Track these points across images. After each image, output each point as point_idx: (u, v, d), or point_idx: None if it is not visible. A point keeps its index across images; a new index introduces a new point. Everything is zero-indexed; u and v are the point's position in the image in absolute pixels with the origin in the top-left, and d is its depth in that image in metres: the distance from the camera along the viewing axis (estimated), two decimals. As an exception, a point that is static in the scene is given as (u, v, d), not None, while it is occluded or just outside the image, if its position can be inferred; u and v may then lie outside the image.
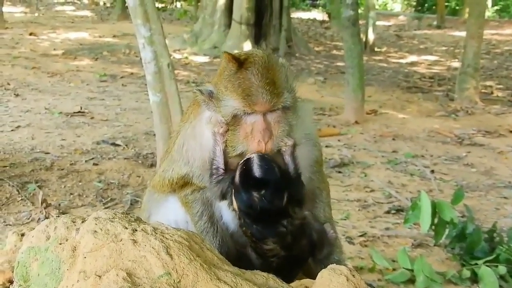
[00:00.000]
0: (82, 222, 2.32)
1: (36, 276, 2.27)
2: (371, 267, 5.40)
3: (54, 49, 18.50)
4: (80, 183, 7.20)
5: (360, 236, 6.13)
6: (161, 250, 2.11)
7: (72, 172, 7.53)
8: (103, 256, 2.12)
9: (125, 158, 8.27)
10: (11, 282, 3.56)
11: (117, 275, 2.02)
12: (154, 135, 8.92)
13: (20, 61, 16.23)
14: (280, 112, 2.79)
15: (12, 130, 9.50)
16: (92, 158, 8.17)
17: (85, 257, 2.14)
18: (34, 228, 3.92)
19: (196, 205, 2.93)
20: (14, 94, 12.26)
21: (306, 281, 2.56)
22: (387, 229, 6.39)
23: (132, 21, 7.89)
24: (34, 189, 6.89)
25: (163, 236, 2.18)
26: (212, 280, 2.11)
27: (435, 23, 29.28)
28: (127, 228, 2.21)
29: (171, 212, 3.06)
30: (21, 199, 6.67)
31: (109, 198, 6.85)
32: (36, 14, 27.96)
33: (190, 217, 2.96)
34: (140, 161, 8.18)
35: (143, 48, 7.65)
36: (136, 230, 2.20)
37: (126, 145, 8.92)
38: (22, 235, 3.89)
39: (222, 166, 2.84)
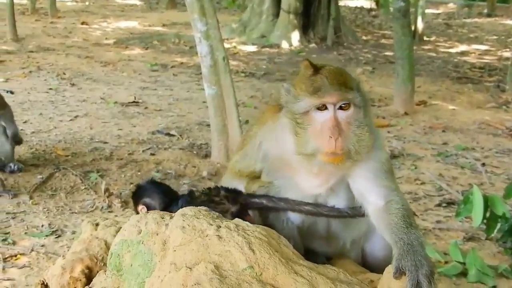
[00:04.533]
0: (170, 218, 2.54)
1: (129, 266, 2.50)
2: (424, 259, 5.51)
3: (106, 39, 18.89)
4: (139, 173, 7.49)
5: (412, 228, 6.24)
6: (244, 245, 2.32)
7: (130, 162, 7.82)
8: (191, 250, 2.33)
9: (180, 148, 8.52)
10: (89, 269, 3.82)
11: (206, 267, 2.23)
12: (207, 125, 9.18)
13: (74, 51, 16.63)
14: (351, 112, 2.95)
15: (70, 120, 9.85)
16: (149, 148, 8.46)
17: (175, 250, 2.36)
18: (107, 218, 4.20)
19: None
20: (70, 83, 12.63)
21: (371, 275, 2.74)
22: (438, 222, 6.48)
23: (189, 16, 8.14)
24: (96, 178, 7.20)
25: (245, 233, 2.39)
26: (290, 273, 2.31)
27: (485, 11, 28.79)
28: (212, 225, 2.42)
29: None
30: (85, 188, 6.98)
31: (168, 188, 7.10)
32: (87, 3, 28.48)
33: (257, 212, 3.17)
34: (195, 152, 8.43)
35: (199, 42, 7.90)
36: (220, 227, 2.42)
37: (181, 135, 9.18)
38: (97, 224, 4.16)
39: None
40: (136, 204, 3.85)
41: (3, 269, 5.30)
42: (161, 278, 2.35)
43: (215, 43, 7.87)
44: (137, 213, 3.71)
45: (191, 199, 3.37)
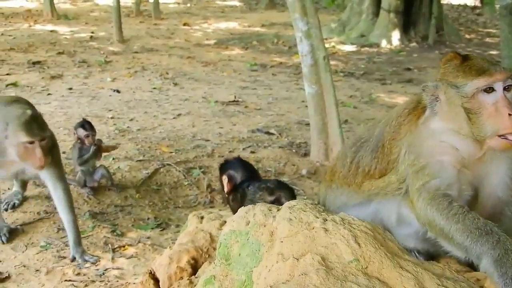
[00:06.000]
0: (277, 210, 2.61)
1: (237, 256, 2.59)
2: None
3: (207, 39, 19.29)
4: (239, 170, 7.63)
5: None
6: (350, 238, 2.35)
7: (231, 159, 7.99)
8: (298, 242, 2.39)
9: (279, 147, 8.62)
10: (195, 260, 3.97)
11: (313, 258, 2.29)
12: (306, 124, 9.24)
13: (176, 51, 17.08)
14: None
15: (174, 118, 10.16)
16: (249, 146, 8.60)
17: (281, 242, 2.43)
18: (211, 212, 4.33)
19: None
20: (173, 83, 13.00)
21: (477, 274, 2.70)
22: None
23: (290, 15, 8.23)
24: (198, 175, 7.42)
25: (350, 226, 2.42)
26: (395, 267, 2.32)
27: None
28: (318, 218, 2.47)
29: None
30: (188, 184, 7.21)
31: (268, 186, 7.21)
32: (189, 5, 29.16)
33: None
34: (294, 150, 8.50)
35: (300, 41, 7.97)
36: (326, 220, 2.46)
37: (280, 134, 9.28)
38: (202, 218, 4.31)
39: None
40: (221, 174, 4.28)
41: (112, 258, 5.58)
42: (268, 268, 2.42)
43: (316, 42, 7.91)
44: (222, 183, 4.28)
45: (257, 187, 3.98)
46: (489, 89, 2.89)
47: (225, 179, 4.23)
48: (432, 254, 3.08)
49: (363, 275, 2.28)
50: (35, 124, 5.31)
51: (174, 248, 4.01)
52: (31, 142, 5.23)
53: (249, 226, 2.60)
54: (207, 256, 3.95)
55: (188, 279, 3.69)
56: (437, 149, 2.98)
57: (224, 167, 4.33)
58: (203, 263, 3.89)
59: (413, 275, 2.31)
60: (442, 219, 2.77)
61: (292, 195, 4.07)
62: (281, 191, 3.99)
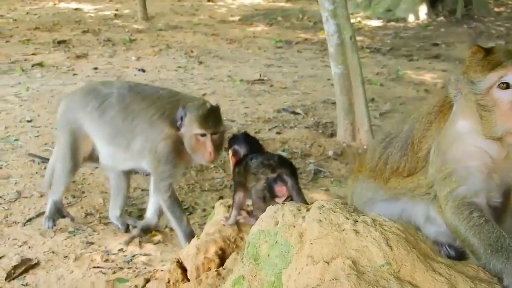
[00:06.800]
0: (307, 210, 2.57)
1: (266, 256, 2.55)
2: None
3: (231, 16, 19.17)
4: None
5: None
6: (381, 241, 2.30)
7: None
8: (328, 244, 2.35)
9: (305, 127, 8.56)
10: (222, 250, 3.96)
11: (344, 262, 2.24)
12: (333, 103, 9.15)
13: (200, 28, 17.00)
14: None
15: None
16: (275, 127, 8.55)
17: (311, 244, 2.38)
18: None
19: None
20: (198, 61, 12.95)
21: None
22: None
23: (316, -6, 8.13)
24: (224, 157, 7.37)
25: (382, 228, 2.37)
26: (428, 271, 2.27)
27: None
28: (348, 219, 2.42)
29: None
30: (214, 167, 7.19)
31: (294, 168, 7.17)
32: (213, -20, 28.97)
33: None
34: (320, 131, 8.43)
35: (327, 21, 7.86)
36: (357, 221, 2.41)
37: (306, 114, 9.21)
38: (229, 206, 4.29)
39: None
40: (228, 148, 4.53)
41: (140, 244, 5.60)
42: (298, 270, 2.38)
43: (343, 21, 7.80)
44: (228, 157, 4.51)
45: (260, 162, 4.12)
46: (503, 85, 2.78)
47: (230, 153, 4.46)
48: (464, 249, 3.01)
49: (395, 279, 2.23)
50: (211, 117, 5.36)
51: (202, 238, 4.00)
52: (203, 135, 5.27)
53: (278, 226, 2.56)
54: (234, 247, 3.93)
55: (216, 270, 3.68)
56: (463, 153, 2.88)
57: (231, 141, 4.55)
58: (230, 253, 3.88)
59: (446, 278, 2.26)
60: (463, 229, 2.71)
61: (294, 172, 4.18)
62: (283, 168, 4.09)
